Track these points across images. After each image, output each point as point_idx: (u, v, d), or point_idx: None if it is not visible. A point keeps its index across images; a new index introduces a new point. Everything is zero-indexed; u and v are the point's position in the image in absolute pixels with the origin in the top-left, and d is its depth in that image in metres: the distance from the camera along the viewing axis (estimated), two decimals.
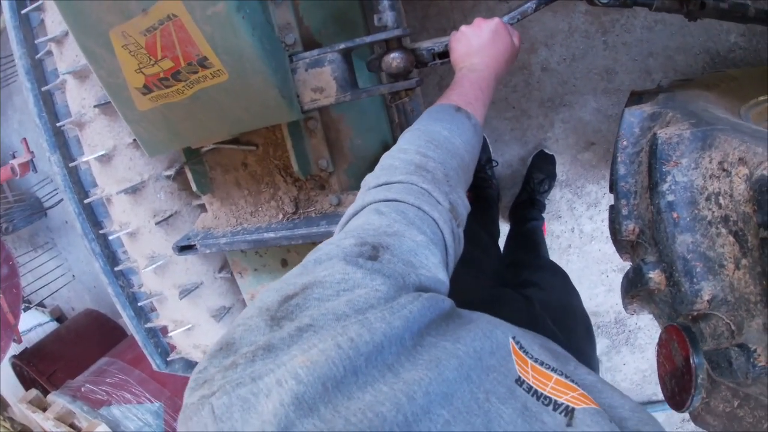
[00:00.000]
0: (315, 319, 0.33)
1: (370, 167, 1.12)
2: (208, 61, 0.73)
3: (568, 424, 0.36)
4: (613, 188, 0.90)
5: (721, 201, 0.66)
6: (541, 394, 0.38)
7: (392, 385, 0.31)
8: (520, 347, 0.41)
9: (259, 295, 0.39)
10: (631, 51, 1.55)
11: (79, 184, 1.35)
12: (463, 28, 0.81)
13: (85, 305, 2.76)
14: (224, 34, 0.71)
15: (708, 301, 0.66)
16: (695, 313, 0.67)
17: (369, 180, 0.58)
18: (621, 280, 0.92)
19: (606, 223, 1.74)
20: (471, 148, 0.65)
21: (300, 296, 0.36)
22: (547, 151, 1.72)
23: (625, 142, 0.84)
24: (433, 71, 1.74)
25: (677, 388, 0.68)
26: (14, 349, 2.32)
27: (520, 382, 0.38)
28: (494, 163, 1.75)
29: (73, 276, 2.76)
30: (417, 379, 0.32)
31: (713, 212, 0.67)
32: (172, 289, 1.33)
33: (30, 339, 2.50)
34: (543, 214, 1.74)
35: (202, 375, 0.32)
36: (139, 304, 1.39)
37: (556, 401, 0.37)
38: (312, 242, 1.00)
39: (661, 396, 1.92)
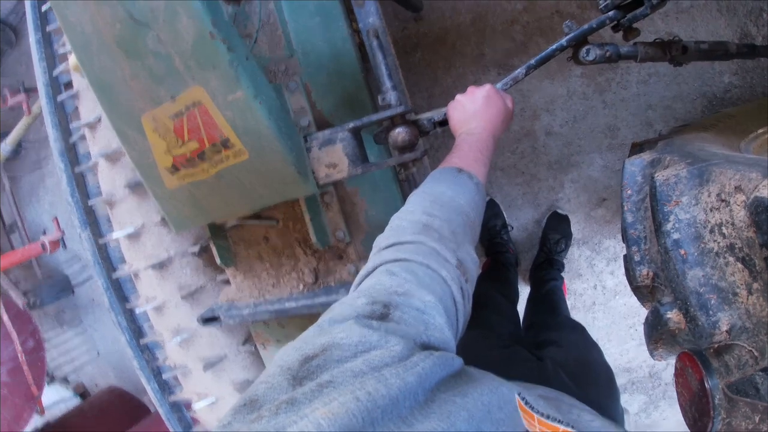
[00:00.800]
0: (334, 376, 0.35)
1: None
2: (230, 142, 0.79)
3: None
4: (624, 237, 0.90)
5: (725, 231, 0.67)
6: None
7: None
8: (526, 402, 0.42)
9: (279, 354, 0.41)
10: (630, 106, 1.60)
11: (107, 260, 1.40)
12: (458, 96, 0.86)
13: (109, 382, 2.75)
14: (244, 117, 0.77)
15: (727, 331, 0.65)
16: (716, 345, 0.66)
17: (380, 241, 0.60)
18: (643, 328, 0.91)
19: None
20: (475, 205, 0.67)
21: (320, 357, 0.38)
22: (560, 211, 1.74)
23: (629, 191, 0.86)
24: (446, 143, 1.82)
25: (697, 413, 0.66)
26: (36, 422, 2.29)
27: None
28: (510, 228, 1.77)
29: (98, 353, 2.78)
30: (430, 430, 0.33)
31: (719, 243, 0.68)
32: (196, 361, 1.34)
33: (52, 414, 2.47)
34: (562, 274, 1.72)
35: (227, 429, 0.34)
36: (163, 377, 1.39)
37: None
38: None
39: None
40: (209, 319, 1.16)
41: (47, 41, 1.29)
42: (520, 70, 0.92)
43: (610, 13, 0.91)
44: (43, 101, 1.28)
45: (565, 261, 1.73)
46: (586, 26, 0.91)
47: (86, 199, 1.34)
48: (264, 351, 1.27)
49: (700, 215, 0.71)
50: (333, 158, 0.94)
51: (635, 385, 1.89)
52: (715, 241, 0.68)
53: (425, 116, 0.93)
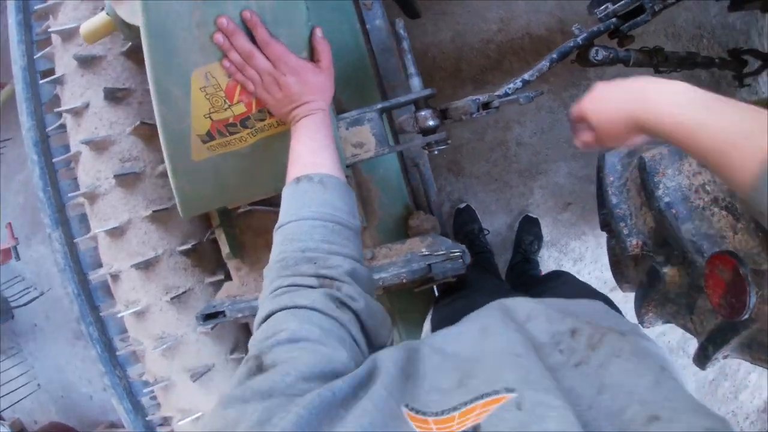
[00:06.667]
0: None
1: (395, 224, 1.10)
2: None
3: None
4: (606, 223, 1.01)
5: (708, 188, 0.80)
6: None
7: None
8: (416, 411, 0.39)
9: None
10: None
11: (78, 264, 1.22)
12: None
13: (50, 418, 2.35)
14: None
15: None
16: None
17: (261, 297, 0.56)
18: (634, 299, 1.02)
19: (593, 275, 1.77)
20: (320, 203, 0.58)
21: None
22: (530, 215, 1.78)
23: (611, 178, 0.98)
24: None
25: (733, 299, 0.71)
26: None
27: None
28: (486, 232, 1.77)
29: (39, 385, 2.38)
30: None
31: (704, 199, 0.80)
32: (181, 373, 1.17)
33: None
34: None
35: None
36: (144, 390, 1.20)
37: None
38: None
39: None
40: (211, 315, 1.01)
41: (27, 26, 1.13)
42: (544, 63, 0.92)
43: (614, 19, 0.95)
44: (18, 87, 1.11)
45: (538, 260, 1.75)
46: (595, 28, 0.95)
47: (58, 195, 1.16)
48: None
49: (684, 181, 0.84)
50: (361, 138, 0.88)
51: None
52: (700, 198, 0.81)
53: (470, 97, 0.91)
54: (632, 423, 0.37)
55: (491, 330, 0.50)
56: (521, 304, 0.59)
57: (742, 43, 1.67)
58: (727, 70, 1.49)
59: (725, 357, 0.82)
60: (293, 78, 0.64)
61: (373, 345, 0.50)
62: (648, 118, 0.51)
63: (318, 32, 0.66)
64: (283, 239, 0.56)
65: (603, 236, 1.10)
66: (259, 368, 0.40)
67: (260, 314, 0.50)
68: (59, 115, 1.10)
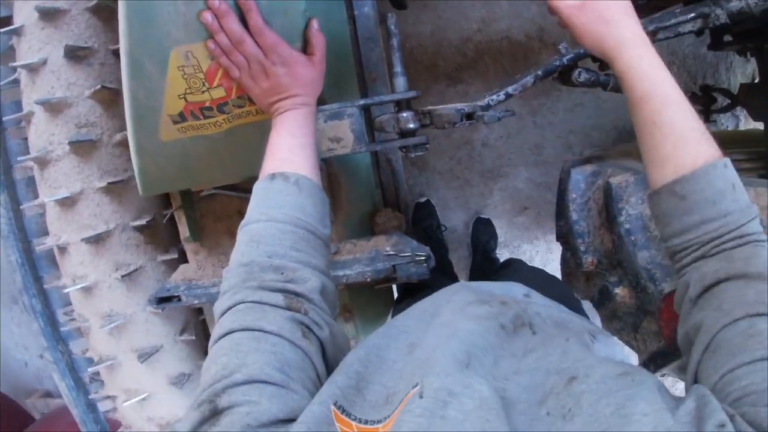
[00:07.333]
0: None
1: (362, 220, 1.08)
2: None
3: None
4: (563, 235, 1.03)
5: None
6: None
7: None
8: (343, 411, 0.39)
9: None
10: (556, 129, 1.74)
11: (23, 231, 1.12)
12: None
13: None
14: None
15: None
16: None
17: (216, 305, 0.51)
18: None
19: None
20: (293, 207, 0.54)
21: None
22: (482, 216, 1.81)
23: (574, 195, 1.00)
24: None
25: None
26: None
27: None
28: (443, 228, 1.78)
29: None
30: None
31: None
32: (128, 352, 1.12)
33: None
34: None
35: None
36: (89, 369, 1.14)
37: None
38: None
39: None
40: (165, 299, 0.97)
41: None
42: (528, 78, 0.91)
43: None
44: None
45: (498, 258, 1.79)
46: (582, 50, 0.94)
47: (6, 156, 1.06)
48: None
49: (646, 210, 0.88)
50: (338, 132, 0.85)
51: None
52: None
53: (456, 106, 0.88)
54: (554, 388, 0.39)
55: (417, 343, 0.49)
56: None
57: (710, 75, 1.77)
58: (697, 105, 1.55)
59: (663, 375, 0.87)
60: (283, 69, 0.60)
61: (330, 372, 0.48)
62: (615, 48, 0.56)
63: (314, 24, 0.63)
64: (250, 240, 0.52)
65: (553, 242, 1.14)
66: (214, 412, 0.38)
67: (218, 330, 0.45)
68: (13, 69, 1.00)
